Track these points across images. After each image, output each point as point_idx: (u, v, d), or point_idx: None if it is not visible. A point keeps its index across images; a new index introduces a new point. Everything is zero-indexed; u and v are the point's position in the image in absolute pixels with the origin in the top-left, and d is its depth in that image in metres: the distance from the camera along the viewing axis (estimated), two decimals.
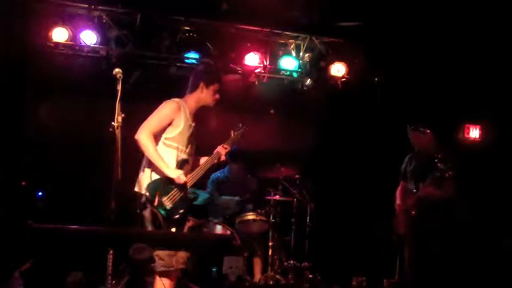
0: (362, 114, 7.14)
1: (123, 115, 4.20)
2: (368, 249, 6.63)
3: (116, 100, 4.23)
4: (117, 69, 4.19)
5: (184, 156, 4.46)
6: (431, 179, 5.02)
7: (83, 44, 6.41)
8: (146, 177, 4.40)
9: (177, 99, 4.53)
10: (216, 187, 6.76)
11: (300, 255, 6.35)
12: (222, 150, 4.72)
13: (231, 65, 6.96)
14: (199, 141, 4.69)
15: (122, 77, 4.18)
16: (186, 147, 4.48)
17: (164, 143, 4.46)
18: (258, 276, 6.18)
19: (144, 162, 4.47)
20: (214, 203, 6.59)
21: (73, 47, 6.44)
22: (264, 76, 7.13)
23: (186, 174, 4.39)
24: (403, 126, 5.66)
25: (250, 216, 6.24)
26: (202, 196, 6.56)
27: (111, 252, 4.11)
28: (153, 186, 4.35)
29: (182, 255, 4.34)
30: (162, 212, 4.29)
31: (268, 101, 7.31)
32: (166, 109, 4.46)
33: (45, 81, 6.26)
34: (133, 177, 6.15)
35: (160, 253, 4.29)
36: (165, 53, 6.70)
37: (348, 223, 7.04)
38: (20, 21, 5.81)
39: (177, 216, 4.30)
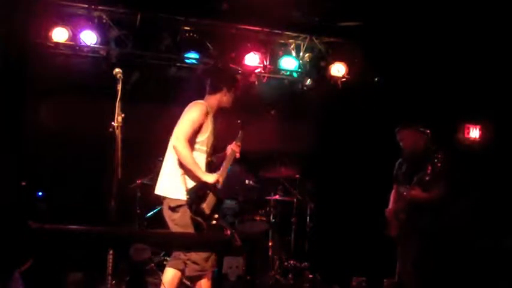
0: (362, 114, 7.14)
1: (123, 115, 4.21)
2: (368, 249, 6.63)
3: (116, 100, 4.24)
4: (117, 69, 4.20)
5: (210, 158, 4.52)
6: (418, 180, 4.99)
7: (83, 44, 6.41)
8: (180, 183, 4.34)
9: (202, 102, 4.52)
10: None
11: (300, 255, 6.35)
12: (236, 148, 4.70)
13: (231, 65, 6.96)
14: None
15: (122, 77, 4.18)
16: (212, 149, 4.53)
17: (195, 148, 4.44)
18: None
19: (172, 167, 4.41)
20: None
21: (73, 47, 6.45)
22: (264, 76, 7.13)
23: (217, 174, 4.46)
24: (403, 126, 5.66)
25: (250, 216, 6.25)
26: None
27: (111, 252, 4.11)
28: (193, 193, 4.32)
29: (214, 257, 4.42)
30: (202, 219, 4.32)
31: (268, 101, 7.32)
32: (197, 113, 4.41)
33: (45, 81, 6.26)
34: (134, 177, 6.21)
35: (194, 257, 4.33)
36: (165, 53, 6.70)
37: (348, 223, 7.04)
38: (20, 21, 5.80)
39: (214, 222, 4.36)
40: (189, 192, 4.30)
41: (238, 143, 4.72)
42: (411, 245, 5.07)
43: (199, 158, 4.41)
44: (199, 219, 4.28)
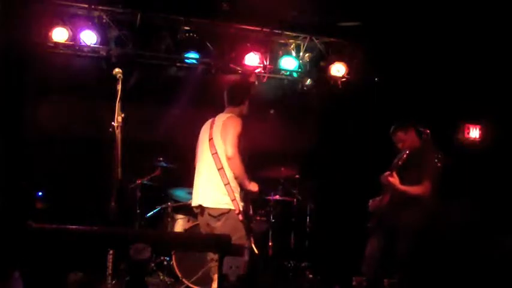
0: (362, 114, 7.14)
1: (123, 115, 4.21)
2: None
3: (116, 100, 4.24)
4: (117, 69, 4.20)
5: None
6: (394, 165, 4.98)
7: (83, 44, 6.41)
8: (223, 193, 4.50)
9: (234, 115, 4.69)
10: None
11: (300, 255, 6.35)
12: None
13: (231, 65, 6.96)
14: None
15: (122, 77, 4.19)
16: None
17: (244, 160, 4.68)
18: None
19: (214, 179, 4.54)
20: None
21: (73, 47, 6.44)
22: (264, 76, 7.12)
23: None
24: (402, 126, 5.65)
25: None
26: None
27: (111, 252, 4.12)
28: (243, 201, 4.58)
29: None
30: (249, 221, 4.61)
31: (268, 101, 7.32)
32: (240, 127, 4.60)
33: (45, 81, 6.26)
34: (134, 177, 6.21)
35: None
36: (165, 53, 6.70)
37: (348, 223, 7.03)
38: (20, 21, 5.80)
39: (254, 221, 4.79)
40: (245, 199, 4.60)
41: None
42: (386, 240, 5.06)
43: None
44: (247, 221, 4.54)
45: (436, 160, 4.93)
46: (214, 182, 4.52)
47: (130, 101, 4.42)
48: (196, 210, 4.68)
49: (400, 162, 4.94)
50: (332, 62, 7.12)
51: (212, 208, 4.52)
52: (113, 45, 6.52)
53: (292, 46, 7.19)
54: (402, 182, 4.96)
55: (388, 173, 5.02)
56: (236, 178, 4.51)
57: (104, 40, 6.49)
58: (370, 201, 5.34)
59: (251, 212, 4.68)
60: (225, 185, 4.48)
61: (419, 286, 5.20)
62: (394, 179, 4.95)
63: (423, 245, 5.02)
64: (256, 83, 7.10)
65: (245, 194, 4.57)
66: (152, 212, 6.39)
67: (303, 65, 7.22)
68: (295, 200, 6.45)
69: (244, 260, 4.61)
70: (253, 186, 4.58)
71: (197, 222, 6.05)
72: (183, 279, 5.75)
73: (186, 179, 6.68)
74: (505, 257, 5.77)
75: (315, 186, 6.73)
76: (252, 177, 6.53)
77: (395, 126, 5.27)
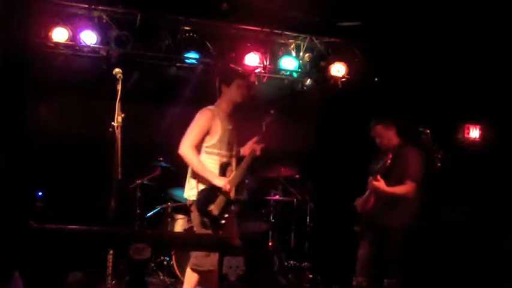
0: (362, 114, 7.13)
1: (123, 115, 4.22)
2: None
3: (116, 100, 4.24)
4: (117, 69, 4.21)
5: (225, 160, 4.59)
6: (378, 169, 4.94)
7: (83, 44, 6.41)
8: (193, 187, 4.53)
9: (211, 107, 4.65)
10: None
11: (300, 255, 6.35)
12: (255, 147, 4.80)
13: (231, 65, 6.95)
14: None
15: (122, 77, 4.19)
16: (228, 150, 4.60)
17: (206, 152, 4.58)
18: None
19: (189, 173, 4.60)
20: None
21: (73, 47, 6.44)
22: (264, 76, 7.13)
23: (230, 176, 4.56)
24: (403, 126, 5.65)
25: (250, 216, 6.25)
26: None
27: (111, 252, 4.12)
28: (202, 195, 4.50)
29: (215, 257, 4.49)
30: (210, 220, 4.46)
31: (268, 101, 7.31)
32: (202, 119, 4.57)
33: (45, 81, 6.25)
34: (134, 177, 6.22)
35: (196, 252, 4.48)
36: (165, 53, 6.70)
37: (348, 223, 7.03)
38: (20, 21, 5.79)
39: (223, 221, 4.47)
40: (199, 193, 4.48)
41: (258, 141, 4.84)
42: (372, 242, 5.05)
43: (209, 161, 4.55)
44: (205, 219, 4.44)
45: (436, 160, 4.93)
46: (187, 177, 4.62)
47: (130, 101, 4.42)
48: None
49: (384, 166, 4.89)
50: (332, 62, 7.12)
51: (188, 200, 4.63)
52: (113, 45, 6.52)
53: (292, 46, 7.19)
54: (386, 183, 4.93)
55: (371, 177, 5.00)
56: (195, 172, 4.52)
57: (104, 40, 6.49)
58: (356, 200, 5.32)
59: (212, 208, 4.46)
60: (189, 178, 4.57)
61: (418, 286, 5.21)
62: (380, 183, 4.91)
63: (412, 244, 5.02)
64: (256, 83, 7.10)
65: (211, 190, 4.48)
66: (152, 212, 6.39)
67: (303, 65, 7.22)
68: (295, 200, 6.45)
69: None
70: (219, 182, 4.47)
71: None
72: (183, 279, 5.75)
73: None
74: (505, 257, 5.77)
75: (315, 186, 6.72)
76: (252, 177, 6.58)
77: (376, 120, 5.24)
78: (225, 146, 4.59)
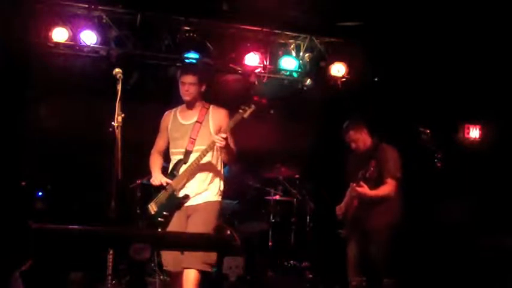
0: (362, 114, 7.13)
1: (123, 115, 4.21)
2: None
3: (116, 100, 4.23)
4: (117, 69, 4.19)
5: (178, 157, 4.52)
6: (362, 176, 4.88)
7: (83, 44, 6.41)
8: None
9: (172, 109, 4.70)
10: None
11: (300, 255, 6.35)
12: (219, 141, 4.45)
13: (231, 65, 6.96)
14: None
15: (122, 77, 4.18)
16: (181, 147, 4.52)
17: (170, 153, 4.63)
18: None
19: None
20: None
21: (73, 47, 6.44)
22: (264, 76, 7.13)
23: (185, 172, 4.44)
24: (403, 126, 5.65)
25: (251, 216, 6.26)
26: None
27: (111, 252, 4.11)
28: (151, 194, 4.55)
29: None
30: (147, 217, 4.51)
31: (268, 101, 7.30)
32: (160, 124, 4.71)
33: (45, 81, 6.26)
34: (134, 177, 6.21)
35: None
36: (165, 53, 6.70)
37: None
38: (20, 21, 5.80)
39: (160, 219, 4.41)
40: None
41: (224, 135, 4.35)
42: (359, 244, 5.05)
43: (172, 160, 4.59)
44: (145, 216, 4.55)
45: (435, 160, 4.93)
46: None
47: (131, 101, 4.42)
48: None
49: (367, 175, 4.84)
50: (332, 62, 7.12)
51: None
52: (113, 45, 6.53)
53: (292, 46, 7.19)
54: (368, 186, 4.91)
55: (354, 184, 5.00)
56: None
57: (104, 40, 6.49)
58: (337, 208, 5.31)
59: (151, 205, 4.52)
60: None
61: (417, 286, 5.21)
62: (363, 188, 4.89)
63: (399, 242, 5.02)
64: (256, 83, 7.11)
65: (156, 189, 4.55)
66: None
67: (303, 65, 7.22)
68: (295, 200, 6.45)
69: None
70: (152, 179, 4.56)
71: None
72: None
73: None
74: (504, 257, 5.77)
75: (315, 186, 6.72)
76: (252, 177, 6.58)
77: (345, 126, 5.21)
78: (178, 142, 4.54)
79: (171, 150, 4.60)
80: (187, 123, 4.56)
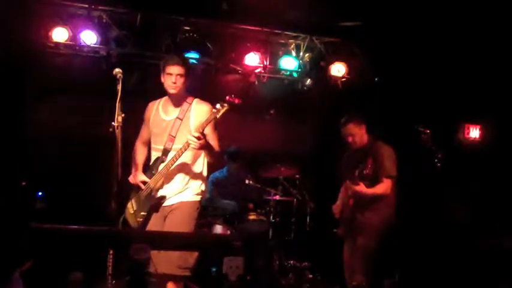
0: (362, 114, 7.13)
1: (123, 115, 4.20)
2: None
3: (116, 100, 4.23)
4: (117, 69, 4.19)
5: (158, 154, 4.40)
6: (359, 174, 4.88)
7: (83, 44, 6.41)
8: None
9: (157, 100, 4.57)
10: (215, 187, 6.76)
11: (300, 255, 6.35)
12: (190, 139, 4.31)
13: (231, 65, 6.96)
14: None
15: (122, 77, 4.18)
16: (162, 143, 4.37)
17: (151, 147, 4.51)
18: None
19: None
20: (214, 204, 6.59)
21: (73, 47, 6.44)
22: (264, 76, 7.13)
23: (161, 172, 4.30)
24: (403, 126, 5.64)
25: (250, 216, 6.25)
26: None
27: (111, 252, 4.11)
28: (131, 193, 4.46)
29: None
30: (127, 216, 4.41)
31: (268, 101, 7.31)
32: (144, 114, 4.58)
33: (45, 81, 6.26)
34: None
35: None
36: (165, 53, 6.68)
37: None
38: (20, 21, 5.80)
39: (138, 218, 4.33)
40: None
41: (198, 134, 4.17)
42: (355, 242, 5.05)
43: (152, 155, 4.47)
44: (124, 215, 4.42)
45: (436, 160, 4.92)
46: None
47: (131, 101, 4.41)
48: None
49: (365, 172, 4.85)
50: (332, 62, 7.12)
51: None
52: (113, 45, 6.52)
53: (292, 46, 7.19)
54: (364, 184, 4.91)
55: (349, 183, 4.99)
56: None
57: (104, 40, 6.49)
58: (334, 207, 5.31)
59: (130, 204, 4.43)
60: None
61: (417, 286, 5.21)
62: (361, 187, 4.89)
63: (388, 241, 5.02)
64: (256, 83, 7.11)
65: (133, 186, 4.48)
66: None
67: (303, 65, 7.22)
68: (295, 200, 6.44)
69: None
70: (130, 177, 4.46)
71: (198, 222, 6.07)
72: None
73: None
74: (504, 257, 5.77)
75: (315, 186, 6.72)
76: (252, 177, 6.58)
77: (345, 119, 5.19)
78: (157, 138, 4.41)
79: (152, 145, 4.46)
80: (168, 119, 4.41)
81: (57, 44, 6.34)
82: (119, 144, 4.12)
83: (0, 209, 5.17)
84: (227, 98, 4.11)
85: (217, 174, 6.86)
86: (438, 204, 6.15)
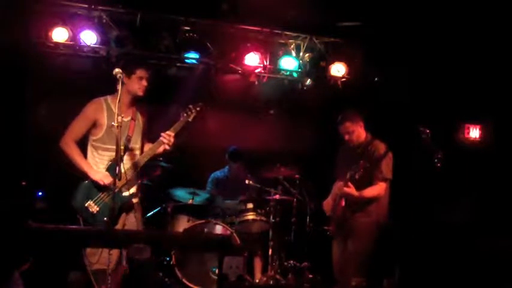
0: (362, 114, 7.13)
1: (123, 115, 4.20)
2: None
3: (116, 100, 4.23)
4: (117, 69, 4.19)
5: (108, 153, 4.43)
6: (350, 177, 4.88)
7: (83, 44, 6.41)
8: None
9: (101, 98, 4.52)
10: (215, 187, 6.76)
11: (300, 255, 6.34)
12: (165, 138, 4.49)
13: (231, 65, 6.96)
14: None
15: (122, 77, 4.18)
16: (121, 145, 4.31)
17: (93, 146, 4.49)
18: (258, 276, 6.19)
19: None
20: (214, 203, 6.59)
21: (73, 47, 6.44)
22: (264, 76, 7.12)
23: (125, 172, 4.30)
24: (403, 126, 5.64)
25: (250, 216, 6.25)
26: (202, 196, 6.57)
27: (111, 252, 4.12)
28: (80, 191, 4.40)
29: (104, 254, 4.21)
30: (87, 216, 4.34)
31: (268, 101, 7.31)
32: (86, 111, 4.48)
33: (45, 81, 6.26)
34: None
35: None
36: (165, 53, 6.69)
37: None
38: (20, 21, 5.80)
39: (105, 218, 4.26)
40: (79, 188, 4.39)
41: (169, 132, 4.44)
42: (344, 243, 5.04)
43: (97, 156, 4.46)
44: (80, 216, 4.35)
45: (435, 161, 4.92)
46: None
47: None
48: None
49: (357, 176, 4.85)
50: (332, 62, 7.12)
51: None
52: (113, 45, 6.52)
53: (292, 46, 7.18)
54: (357, 185, 4.91)
55: (341, 183, 4.99)
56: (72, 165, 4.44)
57: (104, 40, 6.49)
58: (324, 204, 5.31)
59: (90, 204, 4.37)
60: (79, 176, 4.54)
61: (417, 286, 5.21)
62: (351, 189, 4.89)
63: (382, 241, 5.02)
64: (256, 83, 7.10)
65: (89, 185, 4.43)
66: (152, 212, 6.38)
67: (303, 65, 7.21)
68: (295, 200, 6.44)
69: None
70: (95, 175, 4.37)
71: (197, 222, 6.08)
72: (183, 279, 5.75)
73: (186, 179, 6.69)
74: (504, 257, 5.77)
75: (315, 186, 6.72)
76: (252, 177, 6.57)
77: (343, 116, 5.20)
78: (111, 138, 4.36)
79: (105, 145, 4.42)
80: (126, 119, 4.44)
81: (57, 44, 6.34)
82: (119, 144, 4.13)
83: (0, 209, 5.17)
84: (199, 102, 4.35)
85: (217, 174, 6.86)
86: (438, 204, 6.15)
